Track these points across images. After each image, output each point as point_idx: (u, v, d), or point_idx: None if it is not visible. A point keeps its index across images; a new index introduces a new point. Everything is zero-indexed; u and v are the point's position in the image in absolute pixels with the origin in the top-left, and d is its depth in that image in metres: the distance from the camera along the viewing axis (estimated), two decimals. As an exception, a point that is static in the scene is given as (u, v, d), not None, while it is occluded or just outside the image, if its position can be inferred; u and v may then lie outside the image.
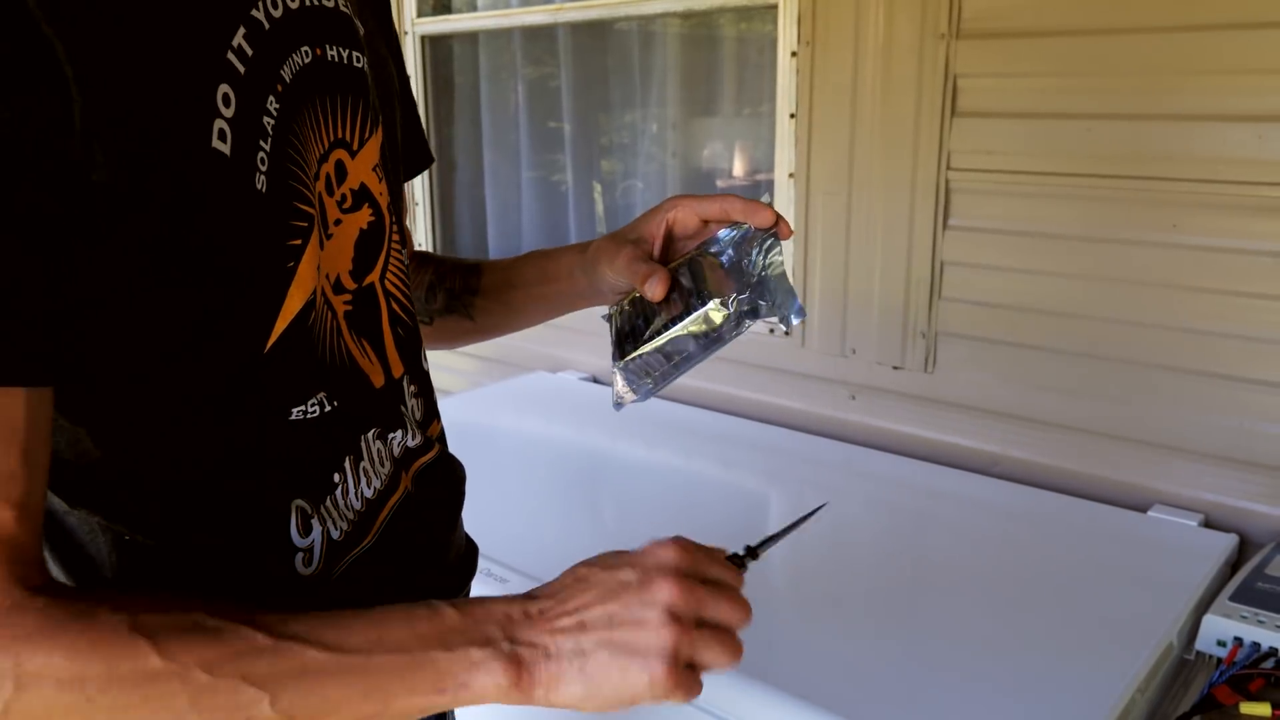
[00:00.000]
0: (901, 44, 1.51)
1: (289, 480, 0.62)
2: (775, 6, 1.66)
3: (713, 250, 0.78)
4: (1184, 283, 1.35)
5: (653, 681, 0.53)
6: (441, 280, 0.91)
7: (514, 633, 0.54)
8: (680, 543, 0.58)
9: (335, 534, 0.65)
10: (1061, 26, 1.38)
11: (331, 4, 0.64)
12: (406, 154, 0.84)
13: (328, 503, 0.64)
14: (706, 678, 0.56)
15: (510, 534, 1.32)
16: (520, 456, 1.71)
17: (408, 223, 2.45)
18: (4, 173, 0.45)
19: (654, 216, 0.80)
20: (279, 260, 0.58)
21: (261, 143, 0.56)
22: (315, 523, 0.63)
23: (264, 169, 0.56)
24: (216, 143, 0.52)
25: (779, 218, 0.75)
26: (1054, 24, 1.39)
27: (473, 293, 0.91)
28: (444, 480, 0.79)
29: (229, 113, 0.53)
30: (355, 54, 0.67)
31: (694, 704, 1.01)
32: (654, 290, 0.72)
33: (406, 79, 0.84)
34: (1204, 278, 1.33)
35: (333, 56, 0.64)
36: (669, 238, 0.79)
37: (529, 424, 1.85)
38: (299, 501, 0.62)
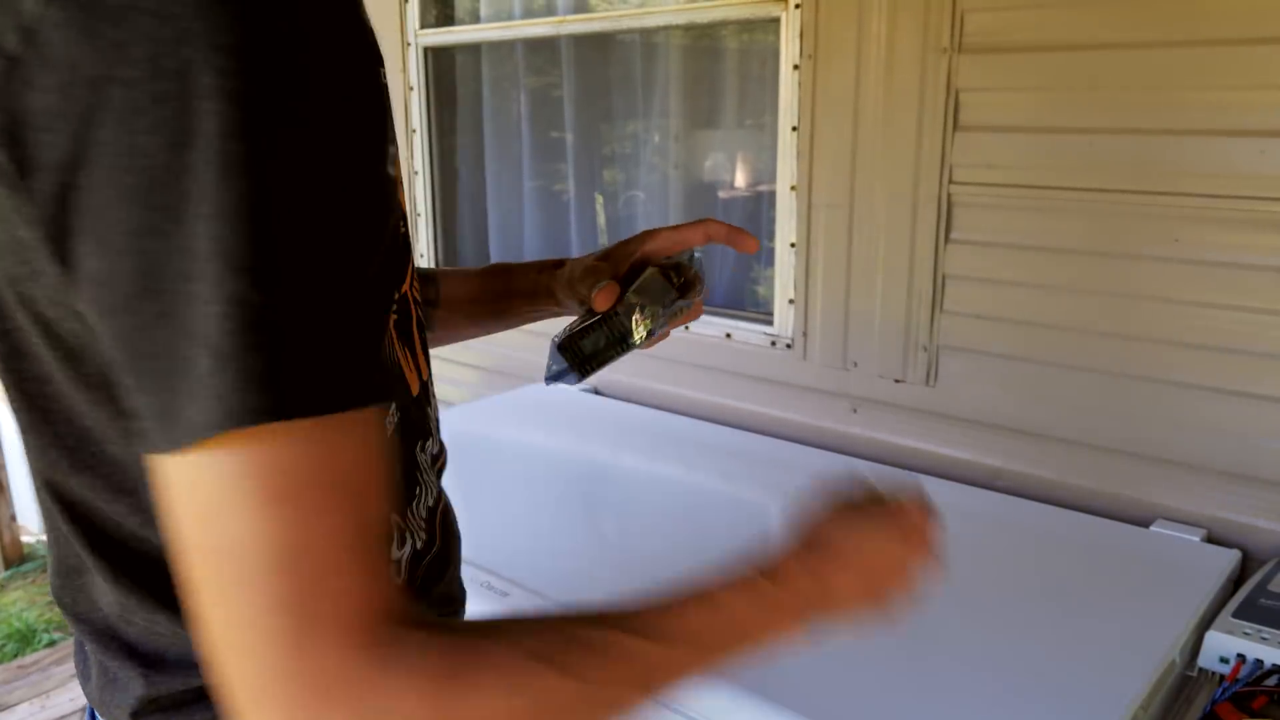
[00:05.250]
0: (904, 58, 1.51)
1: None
2: (778, 20, 1.67)
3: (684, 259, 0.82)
4: (1185, 297, 1.35)
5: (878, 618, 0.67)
6: None
7: (817, 604, 0.62)
8: (925, 505, 0.68)
9: (418, 544, 0.67)
10: (1063, 41, 1.38)
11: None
12: None
13: (407, 514, 0.66)
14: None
15: (511, 546, 1.31)
16: (521, 468, 1.71)
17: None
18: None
19: (630, 244, 0.83)
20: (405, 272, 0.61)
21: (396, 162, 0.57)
22: (408, 534, 0.65)
23: (402, 188, 0.58)
24: (390, 167, 0.52)
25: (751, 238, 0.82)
26: (1056, 39, 1.39)
27: (431, 303, 0.92)
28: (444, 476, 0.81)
29: (393, 137, 0.53)
30: (381, 68, 0.68)
31: (695, 717, 1.01)
32: (599, 301, 0.79)
33: None
34: (1206, 292, 1.33)
35: None
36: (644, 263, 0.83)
37: (530, 435, 1.85)
38: (394, 516, 0.64)
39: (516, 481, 1.63)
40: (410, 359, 0.71)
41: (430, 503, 0.70)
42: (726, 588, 0.59)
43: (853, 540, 0.65)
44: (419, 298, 0.76)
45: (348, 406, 0.43)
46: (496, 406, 2.02)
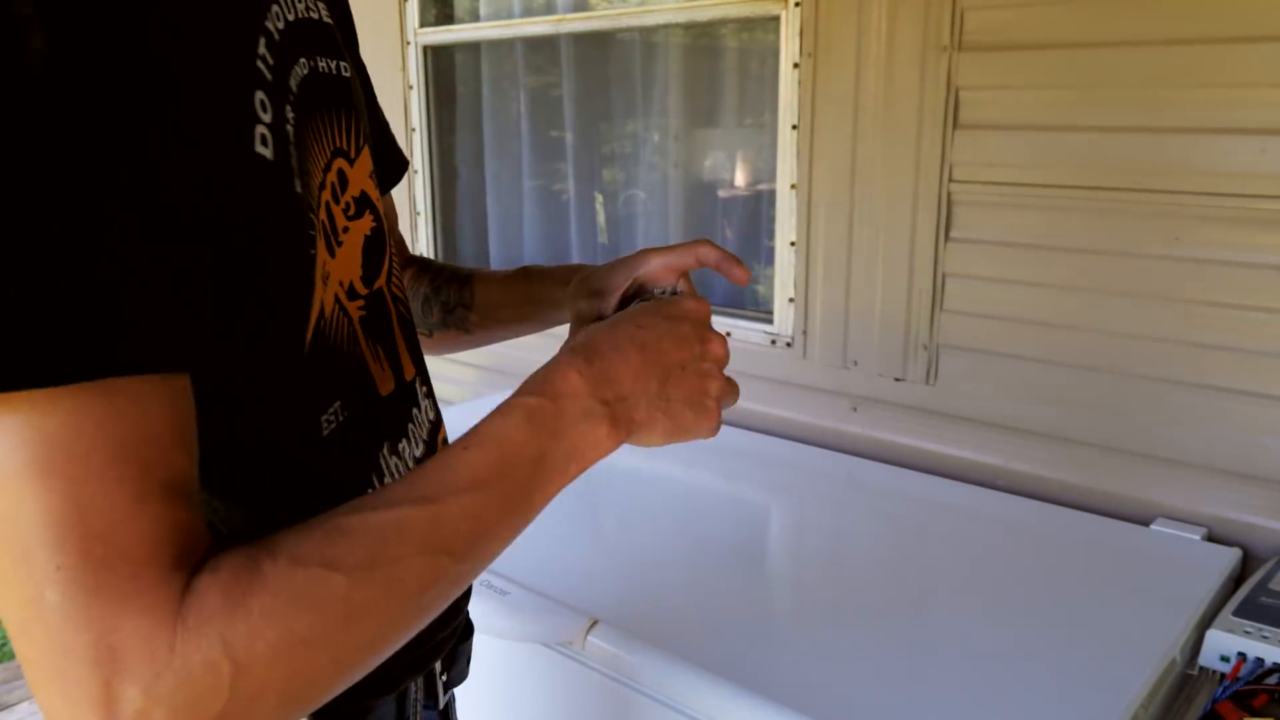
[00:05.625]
0: (903, 56, 1.51)
1: (328, 497, 0.62)
2: (777, 18, 1.67)
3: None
4: (1186, 296, 1.35)
5: (712, 424, 0.64)
6: (437, 293, 0.93)
7: (602, 394, 0.58)
8: (700, 298, 0.65)
9: None
10: (1064, 39, 1.38)
11: (316, 15, 0.66)
12: (383, 162, 0.85)
13: None
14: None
15: (510, 547, 1.31)
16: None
17: (404, 229, 2.45)
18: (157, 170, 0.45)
19: (622, 270, 0.81)
20: (310, 266, 0.59)
21: (291, 149, 0.57)
22: None
23: (298, 174, 0.57)
24: (260, 148, 0.53)
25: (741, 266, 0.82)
26: (1056, 36, 1.39)
27: (467, 306, 0.92)
28: None
29: (267, 118, 0.54)
30: (341, 64, 0.68)
31: (695, 715, 1.01)
32: None
33: (371, 86, 0.85)
34: (1206, 291, 1.33)
35: (323, 68, 0.65)
36: (639, 291, 0.81)
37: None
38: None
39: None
40: (384, 357, 0.70)
41: None
42: (498, 419, 0.56)
43: (624, 328, 0.61)
44: (401, 294, 0.75)
45: (94, 376, 0.42)
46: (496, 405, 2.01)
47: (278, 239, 0.55)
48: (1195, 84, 1.30)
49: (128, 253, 0.44)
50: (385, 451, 0.68)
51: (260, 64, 0.55)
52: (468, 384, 2.34)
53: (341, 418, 0.64)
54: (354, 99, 0.69)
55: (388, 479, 0.68)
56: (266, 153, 0.53)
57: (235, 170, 0.52)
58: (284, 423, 0.59)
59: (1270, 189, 1.26)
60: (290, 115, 0.58)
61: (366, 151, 0.70)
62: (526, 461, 0.55)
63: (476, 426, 0.56)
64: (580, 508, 1.54)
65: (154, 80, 0.46)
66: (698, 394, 0.63)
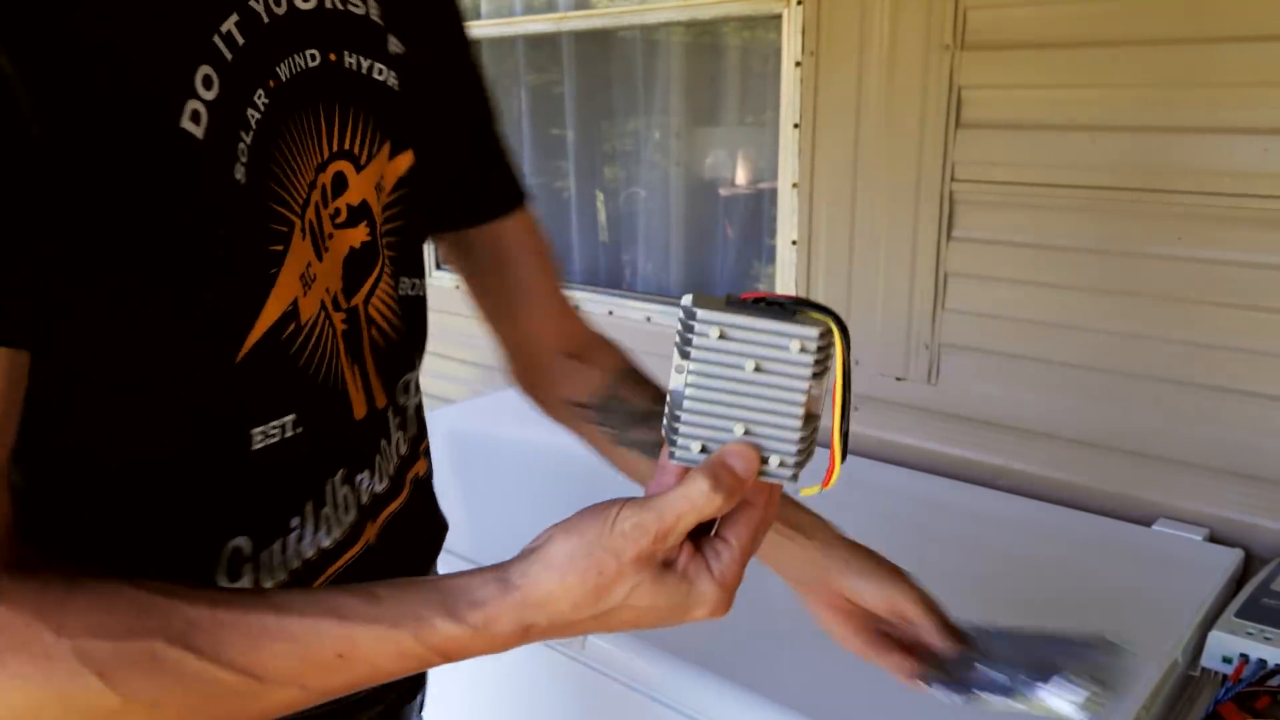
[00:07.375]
0: (906, 55, 1.51)
1: (235, 516, 0.58)
2: (779, 16, 1.66)
3: None
4: (1189, 295, 1.34)
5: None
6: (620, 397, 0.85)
7: (529, 639, 0.51)
8: (731, 595, 0.53)
9: (268, 584, 0.60)
10: (1066, 38, 1.38)
11: (361, 11, 0.62)
12: (475, 191, 0.80)
13: (274, 547, 0.60)
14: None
15: (511, 546, 1.31)
16: (522, 466, 1.71)
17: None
18: None
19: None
20: (261, 263, 0.55)
21: (243, 134, 0.53)
22: (249, 569, 0.59)
23: (244, 160, 0.53)
24: (187, 123, 0.50)
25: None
26: (1059, 35, 1.38)
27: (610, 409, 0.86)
28: (416, 534, 0.74)
29: (209, 95, 0.51)
30: (378, 66, 0.64)
31: (694, 715, 1.01)
32: None
33: (488, 110, 0.79)
34: (1209, 290, 1.33)
35: (350, 64, 0.61)
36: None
37: (531, 433, 1.84)
38: (238, 541, 0.58)
39: (517, 479, 1.63)
40: (358, 380, 0.65)
41: (326, 544, 0.63)
42: (390, 640, 0.47)
43: (619, 600, 0.52)
44: (379, 318, 0.69)
45: None
46: (497, 403, 2.01)
47: (206, 222, 0.51)
48: (1198, 83, 1.29)
49: None
50: (337, 479, 0.64)
51: (219, 41, 0.52)
52: (468, 382, 2.34)
53: (292, 433, 0.59)
54: (383, 105, 0.64)
55: (325, 509, 0.63)
56: (195, 130, 0.50)
57: (148, 143, 0.48)
58: (202, 429, 0.55)
59: (1273, 189, 1.25)
60: (262, 101, 0.54)
61: (381, 162, 0.65)
62: (379, 676, 0.49)
63: (361, 633, 0.47)
64: (581, 506, 1.53)
65: (32, 42, 0.43)
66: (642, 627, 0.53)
